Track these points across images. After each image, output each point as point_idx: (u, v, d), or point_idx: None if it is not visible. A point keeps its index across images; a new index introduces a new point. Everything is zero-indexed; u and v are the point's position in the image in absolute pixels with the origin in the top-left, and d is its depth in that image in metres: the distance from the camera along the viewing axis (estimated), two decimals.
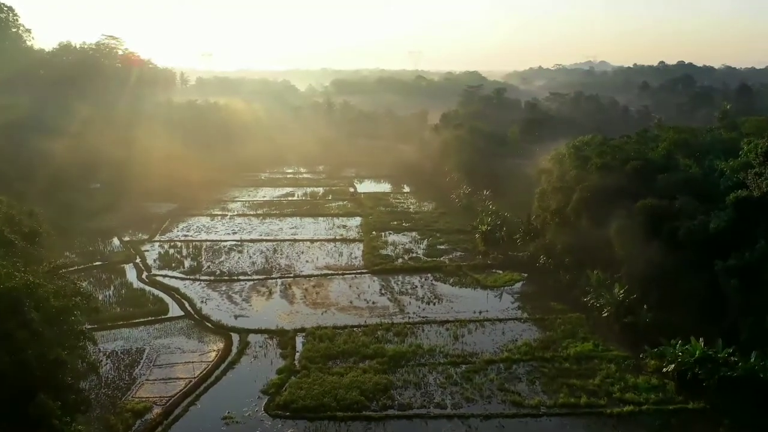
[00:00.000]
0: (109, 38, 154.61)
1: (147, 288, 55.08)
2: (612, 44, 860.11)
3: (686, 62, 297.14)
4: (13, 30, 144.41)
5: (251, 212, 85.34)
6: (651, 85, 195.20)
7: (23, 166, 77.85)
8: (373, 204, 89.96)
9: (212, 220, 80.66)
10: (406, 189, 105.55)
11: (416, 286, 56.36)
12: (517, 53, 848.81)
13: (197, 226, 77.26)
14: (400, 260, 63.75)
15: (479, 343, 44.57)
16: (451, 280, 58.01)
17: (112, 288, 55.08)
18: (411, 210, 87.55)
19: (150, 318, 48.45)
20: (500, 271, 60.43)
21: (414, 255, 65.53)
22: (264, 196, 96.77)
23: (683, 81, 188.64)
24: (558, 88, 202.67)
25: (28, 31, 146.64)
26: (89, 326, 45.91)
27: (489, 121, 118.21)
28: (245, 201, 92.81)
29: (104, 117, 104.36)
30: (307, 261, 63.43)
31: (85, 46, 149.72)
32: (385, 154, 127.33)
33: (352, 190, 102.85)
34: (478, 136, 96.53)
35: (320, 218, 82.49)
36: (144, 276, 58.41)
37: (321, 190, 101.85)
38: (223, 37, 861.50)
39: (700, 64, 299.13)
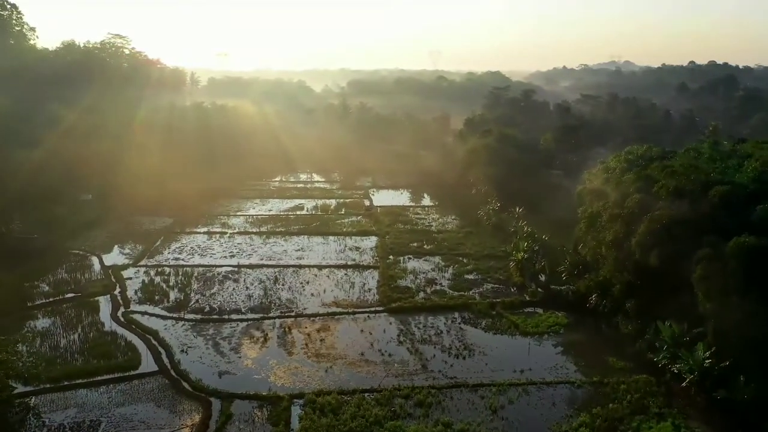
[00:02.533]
0: (115, 37, 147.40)
1: (119, 331, 46.18)
2: (632, 43, 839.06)
3: (720, 62, 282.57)
4: (17, 28, 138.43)
5: (254, 229, 76.23)
6: (687, 86, 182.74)
7: (1, 175, 69.84)
8: (390, 220, 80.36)
9: (209, 239, 71.74)
10: (427, 202, 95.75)
11: (441, 331, 46.81)
12: (537, 53, 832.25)
13: (191, 247, 68.33)
14: (421, 294, 54.28)
15: (524, 420, 35.06)
16: (484, 324, 48.34)
17: (79, 330, 46.37)
18: (433, 228, 77.76)
19: (116, 375, 39.56)
20: (541, 311, 50.83)
21: (438, 288, 55.92)
22: (270, 210, 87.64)
23: (725, 82, 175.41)
24: (586, 89, 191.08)
25: (33, 29, 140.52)
26: (40, 386, 38.01)
27: (518, 127, 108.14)
28: (249, 215, 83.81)
29: (102, 121, 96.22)
30: (312, 294, 54.18)
31: (90, 45, 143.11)
32: (404, 161, 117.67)
33: (367, 203, 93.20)
34: (508, 144, 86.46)
35: (330, 237, 73.19)
36: (120, 313, 49.56)
37: (333, 202, 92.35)
38: (241, 37, 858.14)
39: (733, 64, 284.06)
